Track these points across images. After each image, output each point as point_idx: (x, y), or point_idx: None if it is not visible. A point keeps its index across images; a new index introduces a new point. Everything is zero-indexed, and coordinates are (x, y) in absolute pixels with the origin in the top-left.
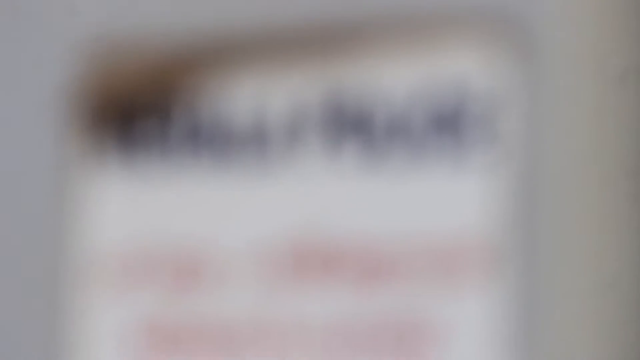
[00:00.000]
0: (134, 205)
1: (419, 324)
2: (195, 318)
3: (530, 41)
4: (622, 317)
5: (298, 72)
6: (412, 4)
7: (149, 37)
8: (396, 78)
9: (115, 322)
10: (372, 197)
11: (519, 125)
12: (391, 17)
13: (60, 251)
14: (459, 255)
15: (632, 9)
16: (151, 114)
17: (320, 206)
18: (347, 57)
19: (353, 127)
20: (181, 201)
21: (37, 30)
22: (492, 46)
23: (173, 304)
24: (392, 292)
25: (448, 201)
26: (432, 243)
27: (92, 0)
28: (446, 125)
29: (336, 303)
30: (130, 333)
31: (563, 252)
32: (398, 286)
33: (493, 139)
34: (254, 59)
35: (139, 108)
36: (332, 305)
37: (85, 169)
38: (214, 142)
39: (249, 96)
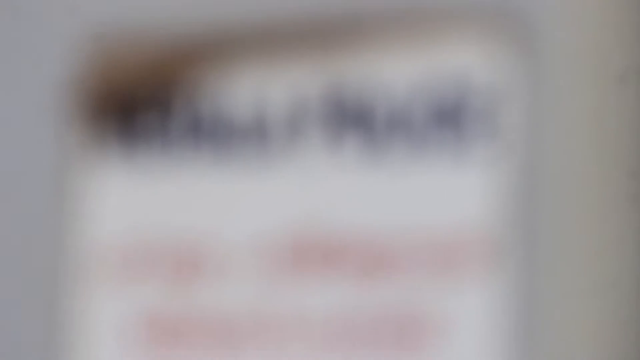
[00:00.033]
0: (134, 198)
1: (420, 317)
2: (195, 311)
3: (531, 35)
4: (622, 312)
5: (299, 66)
6: None
7: (149, 30)
8: (397, 71)
9: (115, 314)
10: (373, 191)
11: (520, 120)
12: (392, 11)
13: (60, 244)
14: (460, 249)
15: (632, 8)
16: (151, 107)
17: (321, 199)
18: (348, 51)
19: (354, 120)
20: (181, 194)
21: (37, 23)
22: (493, 40)
23: (173, 297)
24: (392, 285)
25: (449, 195)
26: (432, 236)
27: None
28: (447, 119)
29: (337, 296)
30: (130, 326)
31: (563, 246)
32: (399, 279)
33: (494, 133)
34: (254, 52)
35: (139, 101)
36: (333, 299)
37: (85, 162)
38: (215, 135)
39: (249, 89)
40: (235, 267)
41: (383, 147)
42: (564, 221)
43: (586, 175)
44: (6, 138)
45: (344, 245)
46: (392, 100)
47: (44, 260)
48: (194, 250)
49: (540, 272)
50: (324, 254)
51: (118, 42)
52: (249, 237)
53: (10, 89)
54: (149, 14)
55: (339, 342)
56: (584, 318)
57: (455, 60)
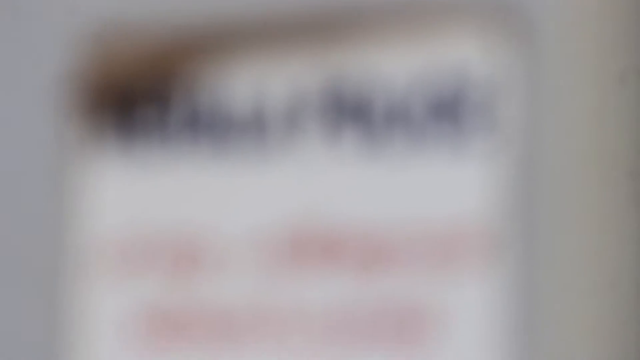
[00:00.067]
0: (132, 192)
1: (419, 310)
2: (195, 304)
3: (529, 28)
4: (622, 311)
5: (297, 59)
6: None
7: (148, 23)
8: (396, 65)
9: (115, 308)
10: (372, 184)
11: (519, 113)
12: (391, 4)
13: (59, 238)
14: (459, 242)
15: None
16: (150, 101)
17: (319, 193)
18: (346, 44)
19: (352, 114)
20: (180, 187)
21: (36, 18)
22: (491, 33)
23: (172, 291)
24: (391, 278)
25: (447, 187)
26: (431, 230)
27: None
28: (446, 112)
29: (336, 290)
30: (130, 319)
31: (562, 239)
32: (398, 272)
33: (492, 126)
34: (253, 46)
35: (138, 94)
36: (332, 292)
37: (84, 155)
38: (213, 128)
39: (248, 83)
40: (234, 261)
41: (382, 140)
42: (563, 214)
43: (585, 174)
44: (5, 133)
45: (342, 239)
46: (391, 94)
47: (43, 255)
48: (193, 243)
49: (539, 265)
50: (323, 247)
51: (117, 36)
52: (247, 231)
53: (9, 83)
54: (147, 8)
55: (338, 335)
56: (583, 312)
57: (454, 54)
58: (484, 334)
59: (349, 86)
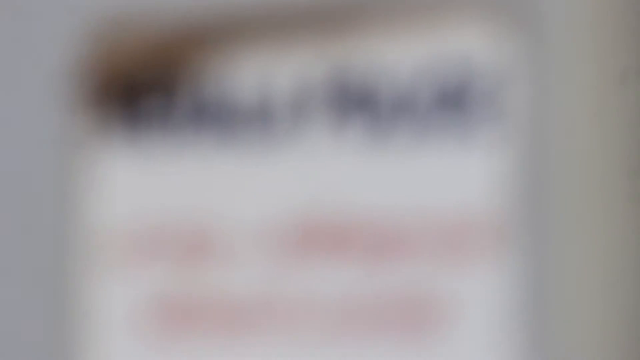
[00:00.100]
0: (139, 183)
1: (427, 300)
2: (202, 295)
3: (534, 17)
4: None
5: (303, 49)
6: None
7: (153, 14)
8: (401, 55)
9: (123, 299)
10: (378, 174)
11: (525, 102)
12: None
13: (66, 230)
14: (466, 232)
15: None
16: (155, 91)
17: (326, 183)
18: (352, 34)
19: (358, 104)
20: (187, 178)
21: (41, 7)
22: (497, 23)
23: (180, 281)
24: (399, 268)
25: (454, 177)
26: (438, 219)
27: None
28: (451, 102)
29: (344, 279)
30: (138, 310)
31: (570, 228)
32: (405, 262)
33: (498, 115)
34: (258, 36)
35: (144, 85)
36: (340, 282)
37: (90, 147)
38: (219, 119)
39: (253, 73)
40: (242, 250)
41: (387, 130)
42: (570, 198)
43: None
44: (10, 125)
45: (350, 228)
46: (397, 84)
47: (51, 247)
48: (201, 233)
49: (547, 251)
50: (331, 236)
51: (122, 26)
52: (255, 220)
53: (14, 74)
54: None
55: (347, 324)
56: (591, 294)
57: (460, 44)
58: (492, 324)
59: (355, 76)
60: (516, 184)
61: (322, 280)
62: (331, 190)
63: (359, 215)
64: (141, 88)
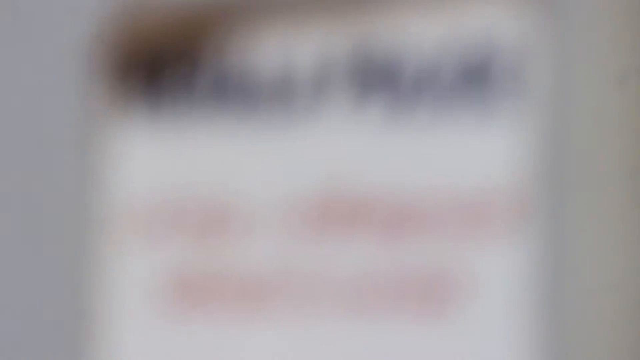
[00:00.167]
0: (160, 157)
1: (444, 276)
2: (221, 270)
3: None
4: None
5: (325, 24)
6: None
7: None
8: (424, 30)
9: (143, 273)
10: (399, 150)
11: (547, 78)
12: None
13: (87, 204)
14: (485, 209)
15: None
16: (177, 66)
17: (346, 158)
18: (374, 9)
19: (380, 79)
20: (207, 153)
21: None
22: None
23: (199, 256)
24: (418, 245)
25: (475, 154)
26: (458, 196)
27: None
28: (474, 78)
29: (362, 256)
30: (157, 283)
31: (588, 205)
32: (424, 239)
33: (520, 92)
34: (281, 11)
35: (166, 59)
36: (358, 258)
37: (111, 121)
38: (241, 94)
39: (275, 48)
40: (261, 226)
41: (409, 106)
42: (590, 175)
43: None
44: (33, 99)
45: (369, 205)
46: (419, 60)
47: (72, 221)
48: (220, 209)
49: (566, 228)
50: (350, 213)
51: (144, 1)
52: (275, 196)
53: (37, 47)
54: None
55: (364, 300)
56: (609, 270)
57: (483, 19)
58: (509, 300)
59: (377, 52)
60: (536, 161)
61: (340, 256)
62: (351, 166)
63: (378, 192)
64: (162, 62)
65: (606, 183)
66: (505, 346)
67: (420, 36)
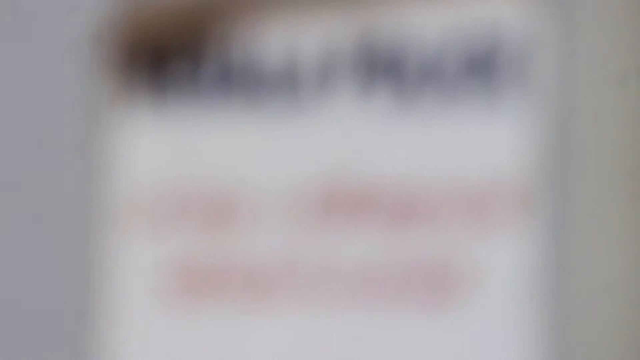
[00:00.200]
0: (165, 147)
1: (450, 266)
2: (227, 259)
3: None
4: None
5: (330, 15)
6: None
7: None
8: (429, 21)
9: (148, 262)
10: (404, 140)
11: (552, 69)
12: None
13: (92, 194)
14: (490, 199)
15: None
16: (183, 56)
17: (351, 148)
18: (379, 0)
19: (385, 70)
20: (212, 143)
21: None
22: None
23: (205, 245)
24: (423, 235)
25: (480, 144)
26: (463, 186)
27: None
28: (479, 68)
29: (367, 245)
30: (162, 273)
31: (593, 196)
32: (429, 229)
33: (525, 82)
34: (286, 1)
35: (171, 50)
36: (363, 248)
37: (116, 111)
38: (246, 84)
39: (281, 38)
40: (267, 216)
41: (414, 96)
42: (596, 164)
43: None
44: (38, 89)
45: (374, 195)
46: (424, 50)
47: (76, 210)
48: (226, 198)
49: (571, 219)
50: (355, 203)
51: None
52: (280, 186)
53: (42, 39)
54: None
55: (369, 289)
56: (614, 261)
57: (488, 10)
58: (514, 291)
59: (382, 42)
60: (541, 151)
61: (345, 246)
62: (356, 156)
63: (384, 182)
64: (168, 53)
65: (610, 174)
66: (509, 335)
67: (425, 26)
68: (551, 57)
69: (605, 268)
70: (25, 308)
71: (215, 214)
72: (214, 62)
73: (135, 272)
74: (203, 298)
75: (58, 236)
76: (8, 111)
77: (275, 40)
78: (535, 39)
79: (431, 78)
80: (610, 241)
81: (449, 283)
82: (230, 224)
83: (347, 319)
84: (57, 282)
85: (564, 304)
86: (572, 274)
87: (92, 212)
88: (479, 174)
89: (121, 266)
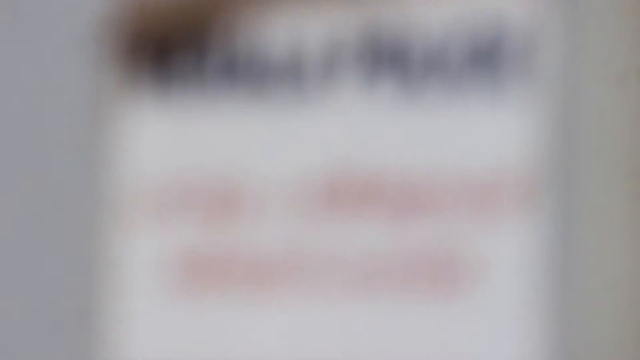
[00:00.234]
0: (169, 137)
1: (454, 257)
2: (231, 250)
3: None
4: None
5: (335, 5)
6: None
7: None
8: (433, 11)
9: (152, 253)
10: (409, 131)
11: (556, 60)
12: None
13: (96, 184)
14: (495, 190)
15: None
16: (187, 47)
17: (356, 139)
18: None
19: (390, 60)
20: (217, 134)
21: None
22: None
23: (209, 236)
24: (427, 226)
25: (485, 135)
26: (468, 177)
27: None
28: (483, 59)
29: (372, 236)
30: (167, 264)
31: (599, 186)
32: (434, 220)
33: (530, 73)
34: None
35: (175, 40)
36: (368, 238)
37: (120, 102)
38: (250, 75)
39: (285, 29)
40: (271, 207)
41: (419, 87)
42: (601, 155)
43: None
44: (42, 79)
45: (379, 186)
46: (428, 41)
47: (81, 201)
48: (230, 189)
49: (575, 213)
50: (360, 193)
51: None
52: (284, 176)
53: (46, 29)
54: None
55: (374, 280)
56: (619, 257)
57: (492, 1)
58: (518, 281)
59: (387, 33)
60: (547, 141)
61: (350, 236)
62: (361, 147)
63: (388, 172)
64: (172, 44)
65: (615, 164)
66: (513, 326)
67: (429, 17)
68: (555, 48)
69: (610, 259)
70: (30, 299)
71: (219, 205)
72: (219, 52)
73: (139, 263)
74: (208, 289)
75: (62, 228)
76: (10, 106)
77: (279, 31)
78: (540, 30)
79: (436, 69)
80: (614, 232)
81: (453, 274)
82: (234, 215)
83: (352, 309)
84: (61, 274)
85: (568, 295)
86: (576, 265)
87: (96, 203)
88: (483, 164)
89: (125, 257)
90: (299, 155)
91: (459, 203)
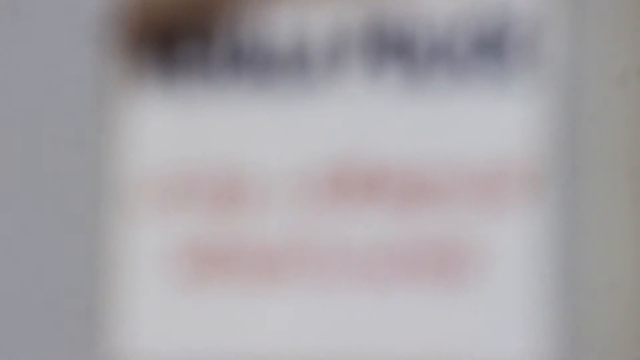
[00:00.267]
0: (174, 128)
1: (459, 247)
2: (236, 240)
3: None
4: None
5: None
6: None
7: None
8: (439, 1)
9: (157, 243)
10: (414, 121)
11: (562, 49)
12: None
13: (102, 174)
14: (501, 179)
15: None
16: (192, 36)
17: (361, 129)
18: None
19: (395, 50)
20: (222, 124)
21: None
22: None
23: (214, 226)
24: (433, 215)
25: (490, 125)
26: (473, 167)
27: None
28: (489, 48)
29: (377, 226)
30: (171, 255)
31: (603, 176)
32: (439, 210)
33: (535, 62)
34: None
35: (180, 30)
36: (373, 228)
37: (125, 92)
38: (255, 65)
39: (290, 19)
40: (276, 197)
41: (424, 76)
42: (606, 145)
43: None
44: (47, 70)
45: (384, 175)
46: (434, 30)
47: (85, 191)
48: (235, 179)
49: (581, 199)
50: (365, 183)
51: None
52: (289, 167)
53: (51, 19)
54: None
55: (379, 270)
56: (624, 241)
57: None
58: (524, 271)
59: (392, 22)
60: (552, 131)
61: (354, 226)
62: (366, 137)
63: (394, 162)
64: (177, 34)
65: (620, 155)
66: (517, 315)
67: (435, 7)
68: (560, 37)
69: (615, 247)
70: (34, 291)
71: (224, 195)
72: (224, 43)
73: (144, 254)
74: (212, 279)
75: (67, 218)
76: (15, 97)
77: (285, 21)
78: (545, 19)
79: (441, 58)
80: (619, 220)
81: (458, 263)
82: (239, 205)
83: (356, 299)
84: (67, 264)
85: (573, 284)
86: (581, 254)
87: (101, 194)
88: (488, 154)
89: (130, 248)
90: (303, 145)
91: (464, 193)
